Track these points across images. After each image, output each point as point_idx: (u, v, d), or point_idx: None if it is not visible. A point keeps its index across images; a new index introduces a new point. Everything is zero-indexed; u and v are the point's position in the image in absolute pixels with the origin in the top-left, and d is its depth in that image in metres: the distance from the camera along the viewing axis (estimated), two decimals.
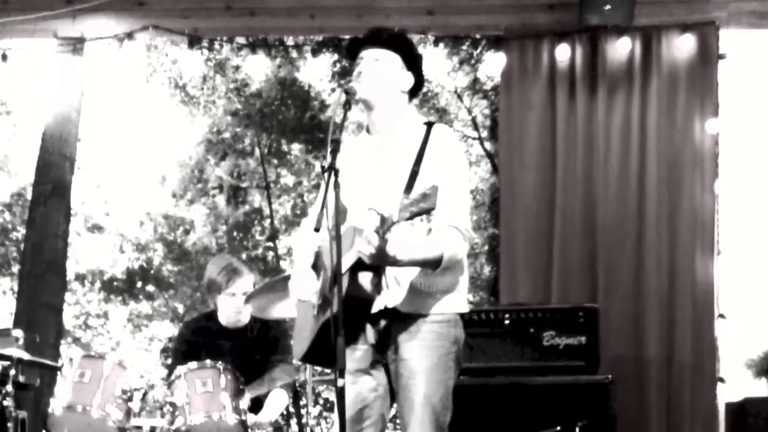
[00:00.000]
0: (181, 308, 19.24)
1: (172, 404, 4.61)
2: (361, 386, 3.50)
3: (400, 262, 3.31)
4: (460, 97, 17.21)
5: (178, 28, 7.13)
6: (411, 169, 3.48)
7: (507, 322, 5.72)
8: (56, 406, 4.58)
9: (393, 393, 3.56)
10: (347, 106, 3.47)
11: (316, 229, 3.16)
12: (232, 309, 5.20)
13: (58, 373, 4.74)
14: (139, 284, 19.42)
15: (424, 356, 3.46)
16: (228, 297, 5.19)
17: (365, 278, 3.36)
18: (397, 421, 3.67)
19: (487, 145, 16.40)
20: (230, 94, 17.86)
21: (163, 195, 19.39)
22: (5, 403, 5.19)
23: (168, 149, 19.24)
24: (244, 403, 4.70)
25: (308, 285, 3.53)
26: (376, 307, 3.46)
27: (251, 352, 5.15)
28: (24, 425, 5.62)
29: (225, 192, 18.71)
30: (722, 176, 6.73)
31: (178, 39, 7.26)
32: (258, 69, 16.41)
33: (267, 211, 18.95)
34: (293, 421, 5.40)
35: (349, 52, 3.70)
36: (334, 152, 3.25)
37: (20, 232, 16.38)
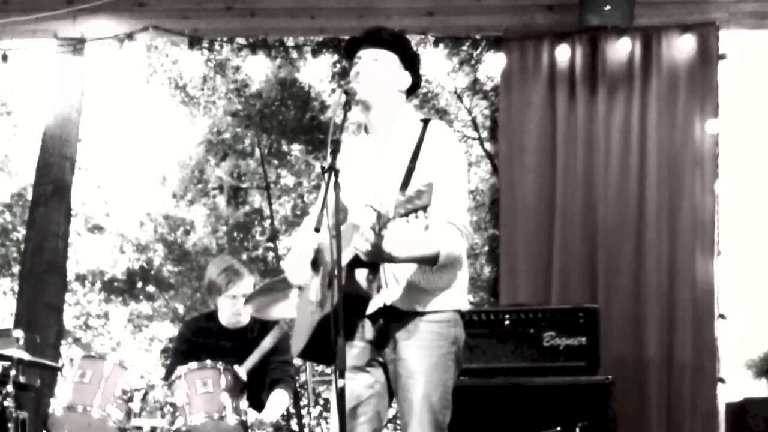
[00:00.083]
0: (181, 309, 19.22)
1: (173, 404, 4.62)
2: (356, 383, 3.49)
3: (396, 258, 3.32)
4: (460, 97, 17.21)
5: (179, 28, 7.13)
6: (407, 165, 3.49)
7: (507, 322, 5.73)
8: (57, 406, 4.59)
9: (392, 392, 3.57)
10: (347, 106, 3.48)
11: (317, 230, 3.17)
12: (232, 311, 5.21)
13: (59, 373, 4.74)
14: (140, 285, 19.40)
15: (423, 356, 3.46)
16: (228, 299, 5.19)
17: (361, 275, 3.37)
18: (398, 421, 3.67)
19: (487, 145, 16.40)
20: (230, 95, 17.85)
21: (163, 195, 19.37)
22: (6, 403, 5.19)
23: (168, 150, 19.24)
24: (245, 403, 4.71)
25: (304, 267, 3.53)
26: (375, 305, 3.47)
27: (251, 352, 5.14)
28: (24, 426, 5.63)
29: (225, 192, 18.70)
30: (722, 176, 6.73)
31: (179, 39, 7.26)
32: (258, 69, 16.41)
33: (267, 212, 18.94)
34: (293, 422, 5.40)
35: (347, 52, 3.71)
36: (335, 153, 3.26)
37: (21, 232, 16.38)
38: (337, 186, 3.25)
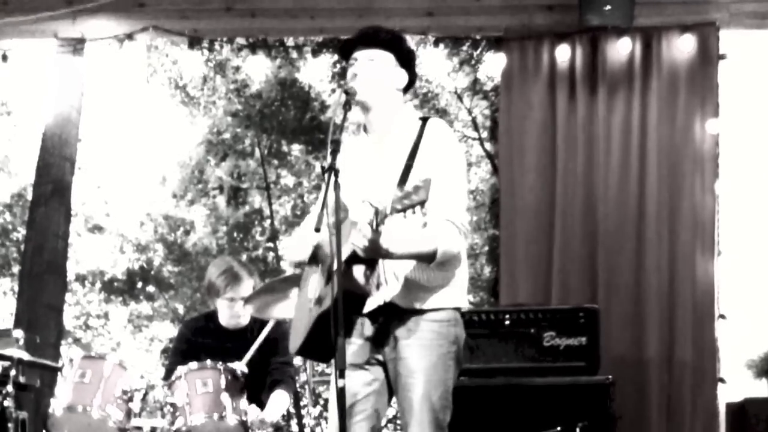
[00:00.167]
0: (181, 309, 19.22)
1: (173, 405, 4.61)
2: (354, 381, 3.49)
3: (394, 254, 3.32)
4: (460, 97, 17.20)
5: (178, 28, 7.14)
6: (405, 163, 3.49)
7: (507, 322, 5.73)
8: (57, 406, 4.59)
9: (392, 390, 3.57)
10: (347, 106, 3.49)
11: (317, 229, 3.17)
12: (230, 313, 5.20)
13: (59, 373, 4.74)
14: (140, 285, 19.40)
15: (423, 355, 3.46)
16: (226, 301, 5.18)
17: (359, 272, 3.37)
18: (398, 421, 3.67)
19: (487, 145, 16.39)
20: (230, 95, 17.84)
21: (163, 196, 19.37)
22: (6, 403, 5.19)
23: (168, 150, 19.23)
24: (245, 403, 4.71)
25: (303, 248, 3.55)
26: (375, 302, 3.47)
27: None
28: (24, 426, 5.62)
29: (225, 193, 18.69)
30: (722, 176, 6.73)
31: (179, 40, 7.26)
32: (258, 70, 16.36)
33: (267, 212, 18.94)
34: (293, 422, 5.40)
35: (342, 53, 3.71)
36: (335, 153, 3.27)
37: (21, 232, 16.37)
38: (337, 186, 3.25)
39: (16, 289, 10.87)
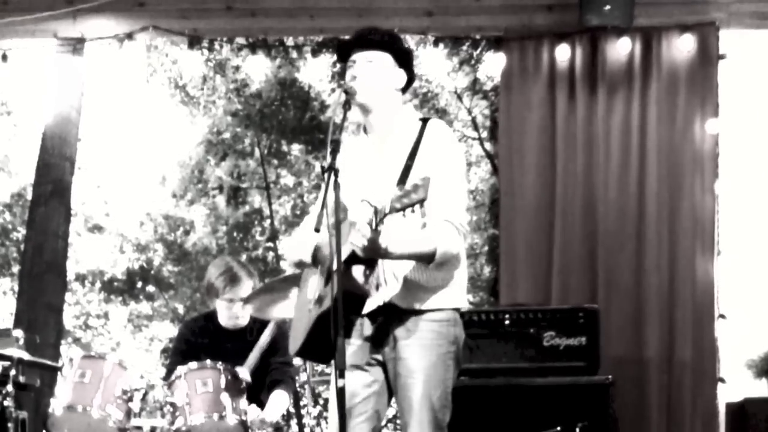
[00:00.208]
0: (181, 309, 19.22)
1: (173, 404, 4.61)
2: (354, 382, 3.49)
3: (393, 254, 3.32)
4: (460, 97, 17.20)
5: (178, 28, 7.13)
6: (405, 163, 3.50)
7: (507, 322, 5.73)
8: (56, 406, 4.59)
9: (391, 391, 3.56)
10: (347, 106, 3.49)
11: (317, 229, 3.16)
12: (228, 314, 5.20)
13: (59, 373, 4.74)
14: (140, 284, 19.40)
15: (423, 355, 3.46)
16: (224, 302, 5.18)
17: (358, 272, 3.37)
18: (398, 421, 3.67)
19: (487, 145, 16.39)
20: (230, 95, 17.84)
21: (163, 195, 19.37)
22: (5, 403, 5.19)
23: (168, 149, 19.22)
24: (245, 403, 4.71)
25: (306, 247, 3.54)
26: (374, 302, 3.47)
27: (251, 352, 5.14)
28: (24, 425, 5.63)
29: (225, 192, 18.69)
30: (722, 176, 6.73)
31: (178, 39, 7.26)
32: (258, 69, 16.36)
33: (267, 212, 18.93)
34: (293, 422, 5.40)
35: (339, 56, 3.71)
36: (334, 152, 3.26)
37: (20, 232, 16.37)
38: (337, 185, 3.25)
39: (16, 288, 10.86)
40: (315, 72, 17.28)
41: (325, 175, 3.27)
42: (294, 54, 7.84)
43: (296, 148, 18.75)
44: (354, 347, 3.52)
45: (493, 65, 7.18)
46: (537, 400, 5.47)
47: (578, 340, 5.64)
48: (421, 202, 3.12)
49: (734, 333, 6.71)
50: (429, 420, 3.45)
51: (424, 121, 3.62)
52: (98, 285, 19.26)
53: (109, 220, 19.26)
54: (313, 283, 3.54)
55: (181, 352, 5.19)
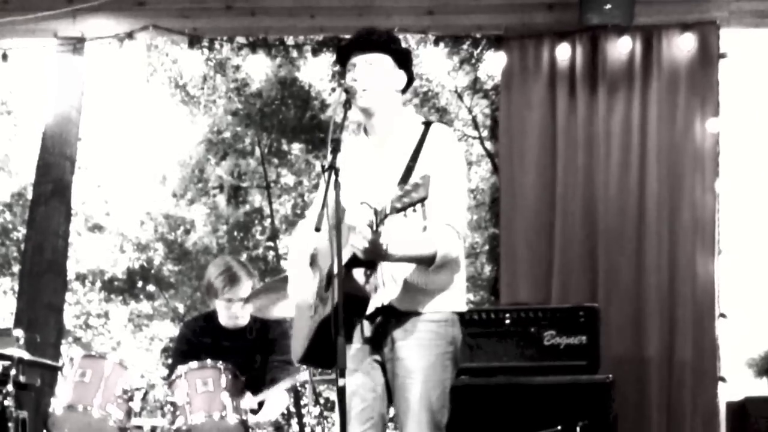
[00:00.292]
0: (181, 308, 19.23)
1: (173, 404, 4.61)
2: (359, 388, 3.49)
3: (393, 256, 3.31)
4: (460, 96, 17.20)
5: (178, 27, 7.13)
6: (407, 164, 3.49)
7: (507, 321, 5.72)
8: (57, 405, 4.59)
9: (390, 393, 3.56)
10: (347, 105, 3.48)
11: (317, 229, 3.15)
12: (228, 314, 5.19)
13: (59, 372, 4.74)
14: (140, 284, 19.41)
15: (421, 356, 3.46)
16: (224, 302, 5.17)
17: (359, 274, 3.36)
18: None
19: (488, 144, 16.39)
20: (230, 94, 17.84)
21: (163, 195, 19.38)
22: (6, 403, 5.19)
23: (168, 149, 19.23)
24: (245, 403, 4.70)
25: (307, 287, 3.54)
26: (374, 305, 3.46)
27: (251, 352, 5.14)
28: (24, 425, 5.62)
29: (225, 192, 18.70)
30: (723, 176, 6.72)
31: (179, 39, 7.25)
32: (258, 69, 16.40)
33: (267, 211, 18.94)
34: (294, 421, 5.39)
35: (339, 58, 3.70)
36: (335, 151, 3.26)
37: (21, 232, 16.37)
38: (337, 185, 3.24)
39: (16, 288, 10.87)
40: (315, 71, 17.30)
41: (326, 174, 3.26)
42: (294, 53, 7.83)
43: (296, 148, 18.75)
44: (354, 350, 3.51)
45: (494, 64, 7.19)
46: (537, 399, 5.47)
47: (579, 339, 5.64)
48: (422, 200, 3.11)
49: (735, 332, 6.71)
50: (427, 420, 3.44)
51: (427, 124, 3.61)
52: (98, 284, 19.27)
53: (110, 220, 19.27)
54: (312, 290, 3.53)
55: (182, 353, 5.19)
